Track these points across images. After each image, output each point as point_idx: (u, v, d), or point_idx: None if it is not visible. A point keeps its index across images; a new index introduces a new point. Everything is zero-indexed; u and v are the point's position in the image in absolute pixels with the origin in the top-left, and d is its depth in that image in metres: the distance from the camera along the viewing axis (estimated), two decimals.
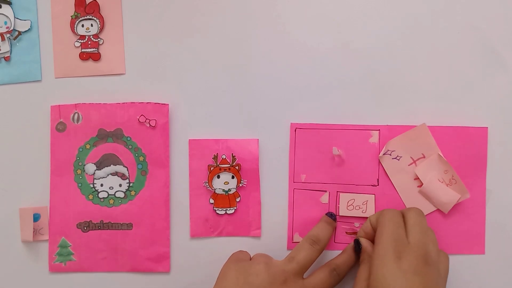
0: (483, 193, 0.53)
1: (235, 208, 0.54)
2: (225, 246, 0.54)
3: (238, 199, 0.54)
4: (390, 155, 0.53)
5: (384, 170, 0.53)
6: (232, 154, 0.53)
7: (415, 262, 0.44)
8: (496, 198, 0.53)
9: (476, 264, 0.53)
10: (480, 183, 0.53)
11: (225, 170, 0.53)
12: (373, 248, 0.47)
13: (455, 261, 0.53)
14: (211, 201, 0.54)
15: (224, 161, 0.53)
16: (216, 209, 0.54)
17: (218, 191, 0.53)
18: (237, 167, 0.53)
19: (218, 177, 0.53)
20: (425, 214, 0.52)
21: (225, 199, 0.53)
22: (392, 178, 0.53)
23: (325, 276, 0.49)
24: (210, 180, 0.53)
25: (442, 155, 0.52)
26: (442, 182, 0.52)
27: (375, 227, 0.50)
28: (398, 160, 0.53)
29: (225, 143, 0.53)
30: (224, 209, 0.53)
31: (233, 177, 0.53)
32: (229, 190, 0.53)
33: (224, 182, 0.53)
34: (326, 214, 0.52)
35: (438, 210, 0.53)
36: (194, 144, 0.54)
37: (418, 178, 0.53)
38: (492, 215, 0.53)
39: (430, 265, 0.44)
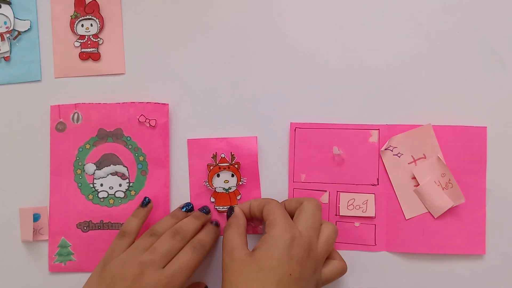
0: (483, 192, 0.53)
1: None
2: None
3: (238, 197, 0.54)
4: (392, 151, 0.53)
5: (384, 167, 0.53)
6: (231, 152, 0.53)
7: (302, 252, 0.45)
8: (496, 198, 0.53)
9: (476, 264, 0.53)
10: (479, 183, 0.53)
11: (224, 168, 0.53)
12: (266, 232, 0.47)
13: (455, 261, 0.53)
14: (212, 199, 0.54)
15: (223, 159, 0.53)
16: (217, 207, 0.54)
17: (219, 190, 0.53)
18: (236, 166, 0.53)
19: (218, 175, 0.53)
20: (417, 214, 0.52)
21: (226, 197, 0.53)
22: (390, 174, 0.53)
23: (187, 254, 0.47)
24: (210, 179, 0.53)
25: (442, 158, 0.52)
26: (439, 185, 0.52)
27: (255, 214, 0.51)
28: (399, 157, 0.53)
29: (224, 141, 0.53)
30: (225, 207, 0.53)
31: (232, 176, 0.53)
32: (230, 188, 0.53)
33: (224, 181, 0.53)
34: (199, 209, 0.52)
35: None
36: (193, 144, 0.54)
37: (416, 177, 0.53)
38: (492, 215, 0.53)
39: (311, 257, 0.46)
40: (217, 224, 0.52)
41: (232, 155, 0.53)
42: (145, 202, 0.51)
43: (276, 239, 0.45)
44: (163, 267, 0.46)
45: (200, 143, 0.54)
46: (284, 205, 0.51)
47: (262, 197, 0.53)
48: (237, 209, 0.51)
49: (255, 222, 0.54)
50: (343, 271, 0.49)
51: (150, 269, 0.46)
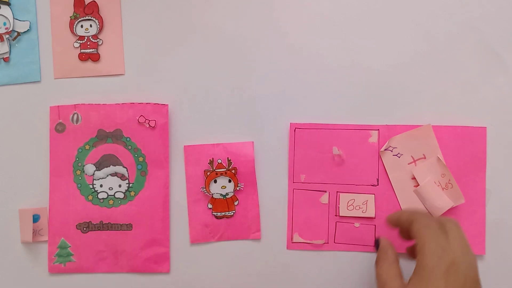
0: (483, 193, 0.53)
1: (234, 211, 0.53)
2: (225, 250, 0.54)
3: (236, 203, 0.53)
4: (391, 151, 0.53)
5: (384, 168, 0.53)
6: (228, 158, 0.53)
7: (461, 279, 0.41)
8: (496, 198, 0.53)
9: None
10: (479, 183, 0.52)
11: (221, 174, 0.53)
12: (418, 260, 0.43)
13: None
14: (210, 206, 0.53)
15: (220, 165, 0.53)
16: (215, 213, 0.53)
17: (216, 196, 0.53)
18: (233, 171, 0.53)
19: (215, 181, 0.53)
20: None
21: (223, 203, 0.53)
22: (390, 175, 0.53)
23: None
24: (207, 185, 0.53)
25: (441, 158, 0.52)
26: (439, 186, 0.52)
27: (404, 227, 0.47)
28: (399, 157, 0.53)
29: (220, 147, 0.53)
30: (223, 212, 0.53)
31: (230, 181, 0.53)
32: (227, 194, 0.53)
33: (221, 187, 0.53)
34: None
35: None
36: (189, 150, 0.53)
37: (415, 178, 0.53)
38: (492, 215, 0.53)
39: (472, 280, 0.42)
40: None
41: (229, 161, 0.53)
42: None
43: (428, 269, 0.41)
44: None
45: (197, 149, 0.53)
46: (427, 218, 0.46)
47: (261, 200, 0.53)
48: (383, 241, 0.48)
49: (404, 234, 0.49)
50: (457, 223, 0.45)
51: None
